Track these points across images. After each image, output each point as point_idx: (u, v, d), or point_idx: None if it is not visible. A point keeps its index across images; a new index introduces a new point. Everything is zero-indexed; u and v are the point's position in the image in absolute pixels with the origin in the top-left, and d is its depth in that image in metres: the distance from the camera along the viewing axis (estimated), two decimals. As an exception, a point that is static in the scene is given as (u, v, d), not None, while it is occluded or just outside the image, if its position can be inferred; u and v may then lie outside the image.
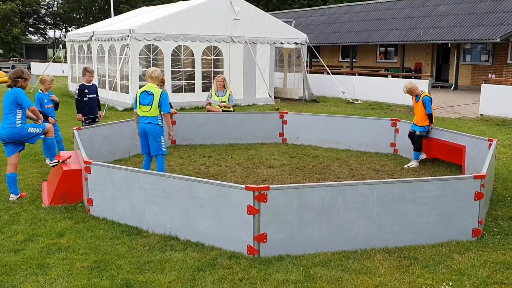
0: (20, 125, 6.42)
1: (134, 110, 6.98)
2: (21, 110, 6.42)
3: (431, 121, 8.38)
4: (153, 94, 6.80)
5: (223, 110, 10.61)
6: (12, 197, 6.56)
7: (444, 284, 4.25)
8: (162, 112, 6.87)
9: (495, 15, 21.62)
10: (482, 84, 14.96)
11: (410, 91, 8.62)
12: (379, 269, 4.52)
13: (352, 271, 4.47)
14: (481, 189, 5.20)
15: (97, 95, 9.09)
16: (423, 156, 8.57)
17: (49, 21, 64.98)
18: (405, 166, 8.40)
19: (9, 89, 6.46)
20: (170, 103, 10.21)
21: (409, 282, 4.28)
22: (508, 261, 4.70)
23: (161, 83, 9.95)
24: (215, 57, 16.82)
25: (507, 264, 4.63)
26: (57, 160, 6.79)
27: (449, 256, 4.80)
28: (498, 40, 19.56)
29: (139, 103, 6.86)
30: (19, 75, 6.45)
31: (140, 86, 15.11)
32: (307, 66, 20.76)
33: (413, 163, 8.43)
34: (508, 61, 22.33)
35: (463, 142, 7.84)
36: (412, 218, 5.08)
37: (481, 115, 14.62)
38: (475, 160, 7.32)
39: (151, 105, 6.78)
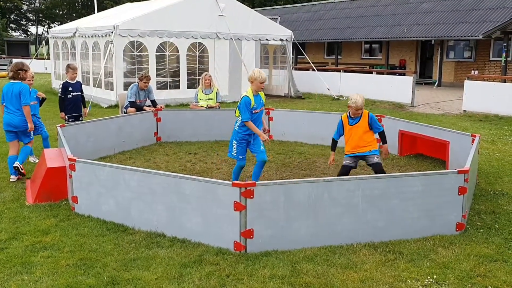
0: (23, 115, 7.12)
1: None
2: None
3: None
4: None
5: (208, 107, 10.60)
6: (12, 178, 7.15)
7: (428, 277, 4.31)
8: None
9: (478, 13, 21.89)
10: (465, 81, 15.16)
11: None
12: (365, 264, 4.56)
13: (338, 266, 4.51)
14: (464, 184, 5.28)
15: (82, 93, 9.00)
16: None
17: (31, 17, 64.08)
18: None
19: (11, 81, 7.03)
20: (155, 100, 10.21)
21: (394, 276, 4.33)
22: (491, 254, 4.78)
23: (148, 80, 9.94)
24: (200, 54, 16.76)
25: (489, 257, 4.70)
26: (18, 168, 7.17)
27: (434, 250, 4.86)
28: (481, 37, 19.82)
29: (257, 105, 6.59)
30: (20, 67, 7.08)
31: (125, 83, 15.09)
32: (292, 62, 20.80)
33: None
34: (491, 58, 22.64)
35: (447, 137, 7.93)
36: (397, 213, 5.13)
37: (464, 111, 14.81)
38: (459, 155, 7.41)
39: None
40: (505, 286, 4.17)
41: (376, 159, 6.18)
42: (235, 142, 6.62)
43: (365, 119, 6.20)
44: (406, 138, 8.87)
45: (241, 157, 6.61)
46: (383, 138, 6.38)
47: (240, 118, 6.50)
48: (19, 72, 7.04)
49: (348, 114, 6.35)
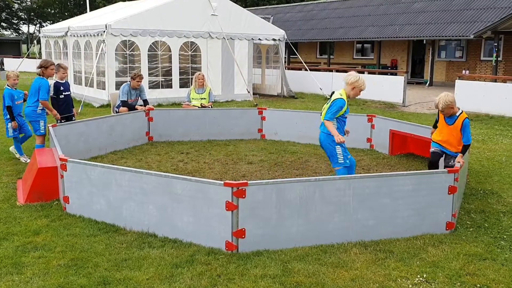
0: (40, 111, 8.00)
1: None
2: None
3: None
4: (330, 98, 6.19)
5: (201, 106, 10.61)
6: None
7: (418, 276, 4.34)
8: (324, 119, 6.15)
9: (469, 12, 22.04)
10: (456, 80, 15.25)
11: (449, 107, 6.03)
12: (355, 263, 4.59)
13: (329, 265, 4.54)
14: (454, 183, 5.32)
15: (70, 92, 8.88)
16: None
17: (23, 16, 63.65)
18: None
19: (38, 76, 7.87)
20: (147, 99, 10.20)
21: (385, 275, 4.36)
22: (480, 253, 4.83)
23: (140, 79, 9.92)
24: (193, 53, 16.74)
25: (479, 256, 4.75)
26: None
27: (424, 249, 4.90)
28: (472, 37, 19.95)
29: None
30: (41, 65, 7.92)
31: (117, 82, 15.05)
32: (285, 62, 20.83)
33: None
34: (482, 58, 22.80)
35: (438, 137, 7.98)
36: (388, 212, 5.17)
37: (455, 110, 14.89)
38: (449, 154, 7.46)
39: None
40: (494, 284, 4.22)
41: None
42: (339, 147, 6.06)
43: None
44: (397, 138, 8.92)
45: (349, 157, 6.20)
46: None
47: (324, 120, 6.10)
48: (40, 69, 7.90)
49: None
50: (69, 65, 17.83)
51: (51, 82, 8.53)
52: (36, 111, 8.02)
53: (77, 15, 40.97)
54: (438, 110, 6.18)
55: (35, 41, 26.82)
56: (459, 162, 5.80)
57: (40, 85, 7.88)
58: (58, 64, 8.82)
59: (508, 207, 6.22)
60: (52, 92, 8.55)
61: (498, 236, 5.29)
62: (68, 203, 5.85)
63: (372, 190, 5.10)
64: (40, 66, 7.96)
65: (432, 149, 6.40)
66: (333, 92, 6.35)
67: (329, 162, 8.49)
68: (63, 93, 8.55)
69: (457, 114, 6.10)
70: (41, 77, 7.97)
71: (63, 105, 8.59)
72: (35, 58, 32.79)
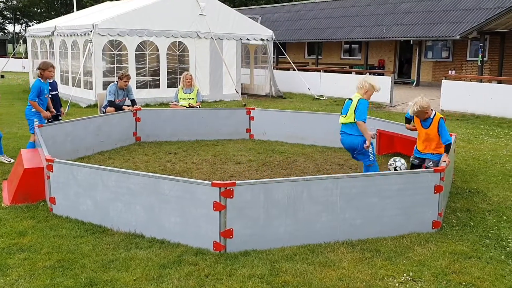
0: (34, 110, 8.13)
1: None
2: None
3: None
4: (351, 100, 6.46)
5: (189, 106, 10.58)
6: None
7: (405, 275, 4.38)
8: (356, 120, 6.31)
9: (455, 13, 22.25)
10: (442, 80, 15.39)
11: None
12: (343, 262, 4.61)
13: (317, 264, 4.55)
14: (440, 182, 5.37)
15: (58, 92, 8.88)
16: None
17: (8, 15, 62.97)
18: None
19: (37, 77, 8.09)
20: (135, 99, 10.15)
21: (372, 274, 4.39)
22: (466, 251, 4.88)
23: (128, 79, 9.86)
24: (181, 53, 16.70)
25: (464, 254, 4.80)
26: None
27: (410, 248, 4.94)
28: (458, 37, 20.14)
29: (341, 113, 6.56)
30: (40, 66, 8.07)
31: (104, 82, 14.96)
32: (273, 62, 20.86)
33: None
34: (468, 58, 23.02)
35: (424, 136, 8.04)
36: (375, 211, 5.20)
37: (442, 110, 15.03)
38: (435, 154, 7.52)
39: (347, 112, 6.39)
40: (479, 282, 4.27)
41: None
42: (370, 147, 6.29)
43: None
44: (384, 137, 8.98)
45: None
46: None
47: (356, 120, 6.30)
48: (38, 71, 8.07)
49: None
50: (56, 65, 17.68)
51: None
52: (31, 109, 8.17)
53: (63, 14, 40.63)
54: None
55: (21, 41, 26.57)
56: (444, 161, 5.85)
57: (33, 85, 8.06)
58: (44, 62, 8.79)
59: (493, 205, 6.30)
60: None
61: (483, 234, 5.35)
62: (55, 204, 5.80)
63: (359, 190, 5.13)
64: (39, 68, 8.09)
65: (411, 160, 6.54)
66: (349, 99, 6.59)
67: (317, 162, 8.54)
68: (51, 93, 8.55)
69: (432, 116, 6.19)
70: (39, 78, 8.08)
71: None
72: (21, 58, 32.46)
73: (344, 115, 6.51)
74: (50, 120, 8.66)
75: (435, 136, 6.15)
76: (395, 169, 7.05)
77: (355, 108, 6.34)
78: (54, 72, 8.74)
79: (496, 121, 12.99)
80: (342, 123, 6.55)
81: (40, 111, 8.15)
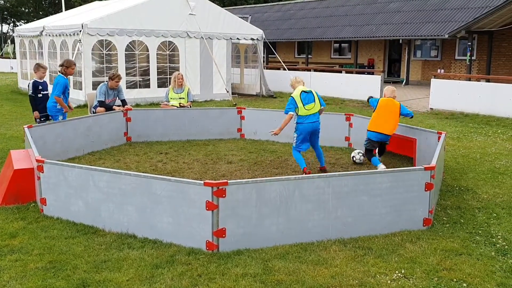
0: (59, 107, 8.39)
1: (292, 113, 7.37)
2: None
3: None
4: (311, 92, 7.42)
5: (180, 106, 10.55)
6: None
7: (397, 272, 4.41)
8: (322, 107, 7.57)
9: (444, 12, 22.41)
10: (431, 79, 15.50)
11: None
12: (335, 260, 4.64)
13: (309, 263, 4.57)
14: (431, 180, 5.42)
15: (48, 92, 8.86)
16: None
17: (-4, 15, 62.34)
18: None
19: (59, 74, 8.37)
20: (125, 99, 10.13)
21: (364, 271, 4.42)
22: (456, 248, 4.93)
23: (118, 79, 9.82)
24: (171, 53, 16.65)
25: (455, 251, 4.85)
26: None
27: (402, 245, 4.98)
28: (447, 36, 20.29)
29: (303, 104, 7.29)
30: (63, 63, 8.39)
31: (94, 83, 14.87)
32: (263, 62, 20.87)
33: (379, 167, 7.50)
34: (456, 57, 23.20)
35: (414, 135, 8.12)
36: (366, 210, 5.23)
37: (431, 109, 15.15)
38: (426, 152, 7.60)
39: (314, 102, 7.37)
40: (470, 278, 4.31)
41: None
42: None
43: None
44: (375, 136, 9.01)
45: None
46: None
47: (324, 107, 7.70)
48: (60, 68, 8.38)
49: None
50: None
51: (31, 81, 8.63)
52: (56, 106, 8.39)
53: (52, 14, 40.30)
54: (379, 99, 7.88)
55: (9, 41, 26.31)
56: None
57: (57, 82, 8.27)
58: (37, 63, 8.81)
59: (483, 203, 6.37)
60: (31, 91, 8.56)
61: (473, 231, 5.41)
62: (45, 205, 5.77)
63: (350, 188, 5.16)
64: (62, 65, 8.39)
65: (371, 144, 7.73)
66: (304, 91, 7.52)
67: (309, 161, 8.57)
68: (41, 92, 8.59)
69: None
70: (62, 75, 8.34)
71: (41, 104, 8.63)
72: (8, 58, 32.18)
73: (312, 105, 7.38)
74: (42, 120, 8.64)
75: (397, 117, 7.78)
76: (353, 158, 8.25)
77: (319, 98, 7.51)
78: (45, 73, 8.77)
79: (485, 119, 13.12)
80: (312, 113, 7.38)
81: (64, 107, 8.44)
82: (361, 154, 8.21)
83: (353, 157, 8.28)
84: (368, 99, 8.39)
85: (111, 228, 5.27)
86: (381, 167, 7.37)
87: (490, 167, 8.17)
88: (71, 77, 15.57)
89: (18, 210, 5.92)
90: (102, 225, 5.32)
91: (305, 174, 7.28)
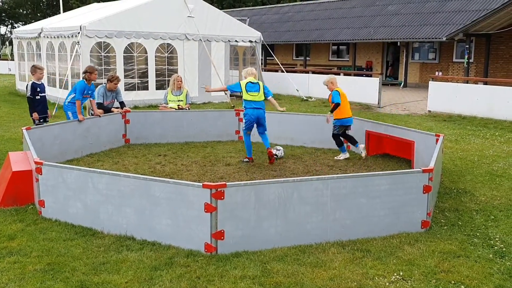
0: (67, 103, 9.08)
1: (227, 88, 9.05)
2: (74, 95, 8.90)
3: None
4: (258, 84, 8.55)
5: (178, 108, 10.56)
6: None
7: (395, 274, 4.42)
8: (267, 97, 8.61)
9: (441, 15, 22.48)
10: (429, 82, 15.54)
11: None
12: (334, 262, 4.64)
13: (308, 265, 4.58)
14: (429, 182, 5.43)
15: (45, 94, 8.84)
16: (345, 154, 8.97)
17: (-6, 17, 62.26)
18: (335, 158, 8.86)
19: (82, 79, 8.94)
20: (124, 101, 10.15)
21: (362, 274, 4.42)
22: (454, 250, 4.94)
23: (117, 81, 9.81)
24: (169, 55, 16.66)
25: (453, 253, 4.86)
26: None
27: (400, 248, 4.99)
28: (444, 39, 20.35)
29: (246, 91, 8.44)
30: (85, 70, 8.95)
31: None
32: (261, 64, 20.88)
33: (341, 156, 8.91)
34: (454, 60, 23.26)
35: (412, 137, 8.14)
36: (365, 212, 5.24)
37: (429, 111, 15.19)
38: (424, 154, 7.62)
39: (259, 92, 8.47)
40: (468, 280, 4.32)
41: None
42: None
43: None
44: (372, 139, 9.05)
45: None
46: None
47: (269, 97, 8.79)
48: (84, 74, 8.91)
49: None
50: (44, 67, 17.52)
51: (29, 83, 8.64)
52: (74, 107, 8.99)
53: (50, 16, 40.28)
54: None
55: (7, 43, 26.29)
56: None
57: (77, 86, 8.85)
58: (33, 65, 8.79)
59: (480, 205, 6.38)
60: (29, 93, 8.52)
61: (471, 233, 5.42)
62: (44, 207, 5.76)
63: (349, 191, 5.17)
64: (85, 71, 8.92)
65: (343, 130, 8.79)
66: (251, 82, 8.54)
67: (307, 163, 8.59)
68: (40, 94, 8.58)
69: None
70: (85, 81, 8.85)
71: (39, 106, 8.63)
72: (7, 59, 32.13)
73: (255, 93, 8.42)
74: (41, 121, 8.64)
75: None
76: (275, 155, 8.87)
77: (264, 88, 8.55)
78: (43, 74, 8.77)
79: (483, 122, 13.16)
80: (256, 100, 8.40)
81: (78, 113, 8.79)
82: (278, 149, 9.07)
83: (275, 155, 8.79)
84: (333, 108, 8.81)
85: (109, 230, 5.27)
86: (345, 155, 8.84)
87: (488, 170, 8.20)
88: (69, 79, 15.62)
89: (17, 212, 5.91)
90: (101, 227, 5.32)
91: (247, 161, 8.60)
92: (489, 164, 8.62)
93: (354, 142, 8.84)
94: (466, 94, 14.39)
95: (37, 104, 8.61)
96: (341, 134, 8.83)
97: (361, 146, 8.78)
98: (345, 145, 8.98)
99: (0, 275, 4.34)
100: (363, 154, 8.72)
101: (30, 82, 8.68)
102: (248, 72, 8.79)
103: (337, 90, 8.85)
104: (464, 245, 5.09)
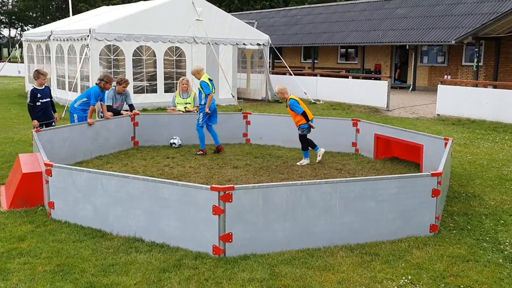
0: (77, 106, 9.11)
1: (211, 93, 9.15)
2: (85, 100, 9.04)
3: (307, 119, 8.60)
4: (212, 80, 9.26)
5: (186, 111, 10.60)
6: None
7: (403, 278, 4.41)
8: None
9: (450, 19, 22.39)
10: (438, 85, 15.48)
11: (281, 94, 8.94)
12: (342, 266, 4.64)
13: (316, 268, 4.58)
14: (438, 186, 5.41)
15: (51, 98, 8.69)
16: (306, 161, 8.79)
17: (4, 20, 62.85)
18: (298, 164, 8.74)
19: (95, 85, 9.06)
20: (133, 104, 10.21)
21: (371, 277, 4.42)
22: (463, 254, 4.92)
23: (126, 85, 9.85)
24: (178, 58, 16.73)
25: (462, 258, 4.84)
26: None
27: (408, 251, 4.98)
28: (453, 42, 20.27)
29: (213, 87, 9.18)
30: (101, 78, 9.04)
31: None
32: (269, 67, 20.91)
33: (304, 161, 8.79)
34: (463, 63, 23.15)
35: (421, 141, 8.11)
36: (373, 215, 5.23)
37: (438, 115, 15.12)
38: (432, 158, 7.59)
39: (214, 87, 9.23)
40: (477, 285, 4.30)
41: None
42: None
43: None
44: (381, 142, 9.03)
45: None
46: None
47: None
48: (99, 82, 8.98)
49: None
50: (52, 70, 17.68)
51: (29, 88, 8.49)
52: (85, 112, 9.06)
53: (59, 19, 40.58)
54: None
55: (16, 45, 26.52)
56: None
57: (92, 92, 8.93)
58: (36, 70, 8.57)
59: (490, 209, 6.35)
60: (29, 100, 8.32)
61: (480, 238, 5.39)
62: (53, 208, 5.80)
63: (357, 194, 5.16)
64: (102, 79, 8.98)
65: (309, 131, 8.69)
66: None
67: (315, 166, 8.60)
68: (40, 100, 8.32)
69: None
70: (99, 87, 8.94)
71: (40, 112, 8.39)
72: (16, 62, 32.41)
73: (214, 89, 9.31)
74: (43, 127, 8.54)
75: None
76: (172, 144, 9.80)
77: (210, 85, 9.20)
78: (46, 80, 8.57)
79: (492, 126, 13.08)
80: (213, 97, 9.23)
81: (89, 118, 8.86)
82: (174, 137, 9.86)
83: (172, 143, 9.75)
84: (305, 118, 8.67)
85: (118, 232, 5.30)
86: (306, 162, 8.76)
87: (497, 174, 8.15)
88: (79, 82, 15.74)
89: (27, 214, 5.96)
90: (110, 229, 5.35)
91: (201, 153, 9.30)
92: (498, 168, 8.57)
93: (314, 145, 8.79)
94: (475, 98, 14.31)
95: (38, 110, 8.36)
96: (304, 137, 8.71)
97: (321, 150, 8.82)
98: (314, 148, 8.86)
99: (10, 275, 4.38)
100: (318, 160, 8.74)
101: (31, 88, 8.45)
102: (200, 67, 9.45)
103: (293, 99, 8.67)
104: (473, 249, 5.07)
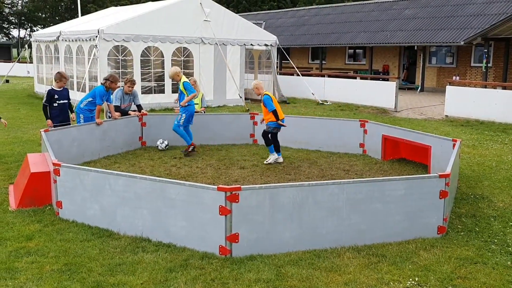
0: (82, 106, 8.99)
1: (195, 93, 9.38)
2: (91, 100, 8.97)
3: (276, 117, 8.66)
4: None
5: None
6: None
7: (410, 279, 4.39)
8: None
9: (459, 19, 22.27)
10: (447, 86, 15.40)
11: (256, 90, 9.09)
12: (349, 267, 4.62)
13: (323, 269, 4.57)
14: (445, 187, 5.38)
15: (69, 100, 8.80)
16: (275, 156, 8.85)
17: (13, 20, 63.33)
18: (265, 162, 8.79)
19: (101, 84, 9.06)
20: (141, 104, 10.25)
21: (377, 279, 4.40)
22: (471, 256, 4.88)
23: (132, 84, 9.91)
24: (185, 59, 16.77)
25: (470, 260, 4.81)
26: None
27: (416, 253, 4.95)
28: (462, 43, 20.15)
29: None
30: (107, 77, 9.01)
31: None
32: (277, 67, 20.91)
33: (270, 158, 8.83)
34: (472, 64, 23.01)
35: (429, 142, 8.07)
36: (380, 217, 5.21)
37: (446, 116, 15.04)
38: (440, 159, 7.55)
39: None
40: (485, 287, 4.27)
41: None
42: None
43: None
44: (389, 143, 8.99)
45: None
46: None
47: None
48: (105, 81, 8.95)
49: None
50: (61, 70, 17.77)
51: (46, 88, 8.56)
52: (91, 112, 9.06)
53: (68, 19, 40.83)
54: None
55: (26, 46, 26.71)
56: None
57: (97, 92, 8.88)
58: (59, 72, 8.79)
59: (498, 211, 6.30)
60: (45, 99, 8.45)
61: (488, 240, 5.35)
62: (61, 208, 5.84)
63: (364, 195, 5.14)
64: (107, 79, 8.94)
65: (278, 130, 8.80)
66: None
67: (322, 167, 8.57)
68: (57, 102, 8.47)
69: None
70: (104, 87, 8.89)
71: (57, 113, 8.51)
72: (25, 62, 32.64)
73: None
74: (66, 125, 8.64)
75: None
76: (158, 147, 9.73)
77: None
78: (65, 83, 8.71)
79: (501, 127, 12.98)
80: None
81: (97, 118, 8.86)
82: (162, 142, 9.75)
83: (157, 145, 9.71)
84: (275, 117, 8.77)
85: (125, 231, 5.31)
86: (279, 158, 8.84)
87: (506, 175, 8.08)
88: (87, 82, 15.83)
89: (34, 213, 6.00)
90: (117, 229, 5.38)
91: (192, 148, 9.32)
92: (507, 170, 8.51)
93: (278, 149, 8.84)
94: (484, 99, 14.21)
95: (54, 111, 8.48)
96: (273, 137, 8.77)
97: (280, 159, 8.83)
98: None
99: (18, 274, 4.41)
100: (269, 162, 8.71)
101: (48, 89, 8.60)
102: (178, 69, 9.43)
103: (267, 95, 8.76)
104: (481, 251, 5.03)
